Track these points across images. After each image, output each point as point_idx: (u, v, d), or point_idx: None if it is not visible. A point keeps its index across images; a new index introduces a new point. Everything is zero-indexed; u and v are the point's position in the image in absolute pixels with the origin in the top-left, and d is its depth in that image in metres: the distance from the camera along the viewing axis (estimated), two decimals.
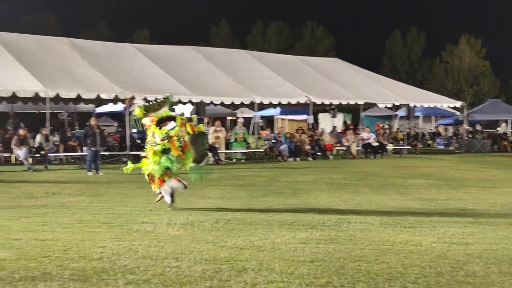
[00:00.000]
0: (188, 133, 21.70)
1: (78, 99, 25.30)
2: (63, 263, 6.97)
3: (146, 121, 11.54)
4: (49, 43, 28.09)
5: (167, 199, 11.36)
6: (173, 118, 11.51)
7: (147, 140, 11.67)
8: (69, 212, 11.06)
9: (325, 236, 8.80)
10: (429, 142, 44.36)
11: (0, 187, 15.50)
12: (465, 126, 37.84)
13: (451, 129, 46.99)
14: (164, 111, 11.60)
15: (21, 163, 21.98)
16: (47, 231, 9.01)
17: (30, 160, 21.60)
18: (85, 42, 30.20)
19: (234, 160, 26.63)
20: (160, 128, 11.31)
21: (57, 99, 24.43)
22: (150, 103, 11.63)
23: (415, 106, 33.07)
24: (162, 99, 11.76)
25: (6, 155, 23.34)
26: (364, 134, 30.44)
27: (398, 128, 35.52)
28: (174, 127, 11.31)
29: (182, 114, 23.39)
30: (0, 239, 8.29)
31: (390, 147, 31.91)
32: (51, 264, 6.90)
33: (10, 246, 7.88)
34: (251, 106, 29.56)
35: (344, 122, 37.22)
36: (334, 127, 33.43)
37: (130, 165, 11.90)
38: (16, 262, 7.00)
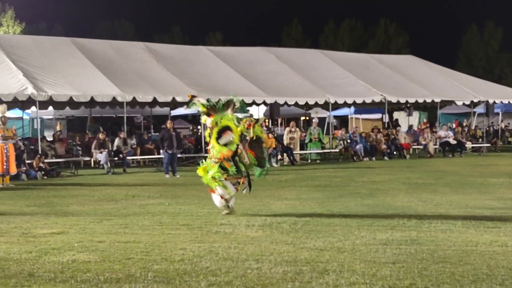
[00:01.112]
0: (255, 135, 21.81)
1: (154, 103, 25.71)
2: (146, 265, 7.08)
3: (208, 121, 11.39)
4: (125, 48, 28.66)
5: (217, 204, 11.20)
6: (229, 128, 11.22)
7: (208, 148, 11.49)
8: (149, 214, 11.24)
9: (406, 237, 8.65)
10: (510, 139, 43.12)
11: (82, 190, 15.91)
12: None
13: None
14: (225, 117, 11.34)
15: (100, 167, 22.52)
16: (128, 233, 9.18)
17: (109, 164, 22.07)
18: (160, 46, 30.67)
19: (309, 161, 26.54)
20: (218, 139, 11.07)
21: (133, 103, 24.88)
22: (212, 103, 11.40)
23: (494, 103, 32.18)
24: (225, 101, 11.51)
25: (86, 158, 23.92)
26: (442, 132, 29.84)
27: (476, 126, 34.66)
28: (231, 142, 11.10)
29: (251, 116, 23.46)
30: (85, 242, 8.50)
31: (468, 145, 31.20)
32: (134, 266, 7.02)
33: (94, 248, 8.06)
34: (325, 105, 29.40)
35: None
36: (411, 125, 32.89)
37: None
38: (101, 264, 7.16)
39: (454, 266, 6.92)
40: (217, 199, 11.07)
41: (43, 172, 20.10)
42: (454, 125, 31.22)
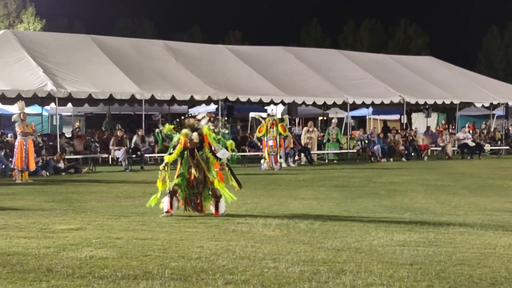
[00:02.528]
0: (280, 134, 21.79)
1: (172, 100, 25.80)
2: (163, 262, 7.10)
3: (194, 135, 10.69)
4: (145, 46, 28.79)
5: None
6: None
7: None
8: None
9: (424, 238, 8.61)
10: None
11: (100, 187, 15.99)
12: None
13: None
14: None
15: (118, 163, 22.62)
16: (146, 231, 9.21)
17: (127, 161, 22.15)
18: (180, 44, 30.78)
19: (326, 161, 26.49)
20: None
21: (152, 101, 24.98)
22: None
23: None
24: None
25: (104, 155, 24.05)
26: (460, 134, 29.69)
27: (495, 128, 34.41)
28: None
29: (273, 115, 23.46)
30: (103, 238, 8.54)
31: (487, 147, 31.01)
32: (151, 263, 7.04)
33: (112, 245, 8.10)
34: (343, 106, 29.34)
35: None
36: (428, 127, 32.75)
37: None
38: (118, 260, 7.19)
39: (472, 268, 6.88)
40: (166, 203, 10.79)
41: (62, 168, 20.26)
42: (470, 128, 30.92)
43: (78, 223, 9.90)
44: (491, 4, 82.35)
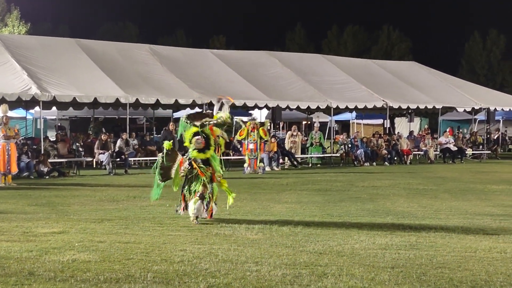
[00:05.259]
0: (261, 138, 21.86)
1: (157, 105, 25.76)
2: (146, 265, 7.13)
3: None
4: (130, 50, 28.73)
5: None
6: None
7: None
8: (150, 215, 11.27)
9: (405, 242, 8.69)
10: (511, 147, 43.14)
11: (84, 191, 15.95)
12: None
13: None
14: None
15: (102, 167, 22.58)
16: (129, 234, 9.22)
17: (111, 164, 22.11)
18: (164, 49, 30.72)
19: (310, 165, 26.57)
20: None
21: (136, 105, 24.93)
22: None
23: (495, 110, 32.23)
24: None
25: (88, 159, 23.97)
26: (442, 139, 29.89)
27: (476, 132, 34.67)
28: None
29: (255, 119, 23.51)
30: (85, 241, 8.54)
31: (469, 151, 31.22)
32: (134, 267, 7.06)
33: (95, 248, 8.11)
34: (326, 110, 29.44)
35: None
36: (411, 131, 32.94)
37: None
38: (101, 264, 7.20)
39: (452, 271, 6.96)
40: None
41: (45, 171, 20.20)
42: (449, 133, 31.09)
43: (61, 226, 9.89)
44: (473, 10, 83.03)
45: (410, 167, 26.28)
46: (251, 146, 22.15)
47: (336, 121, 40.65)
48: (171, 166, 10.73)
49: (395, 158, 27.79)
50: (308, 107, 28.24)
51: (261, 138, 22.30)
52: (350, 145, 27.01)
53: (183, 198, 10.75)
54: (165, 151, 10.81)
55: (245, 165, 22.26)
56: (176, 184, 10.81)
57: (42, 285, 6.28)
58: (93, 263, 7.24)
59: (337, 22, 76.72)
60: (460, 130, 35.04)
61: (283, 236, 9.13)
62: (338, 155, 27.44)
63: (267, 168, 22.73)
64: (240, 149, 23.97)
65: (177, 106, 27.51)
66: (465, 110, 33.06)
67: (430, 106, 30.50)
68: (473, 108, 32.27)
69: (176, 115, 34.13)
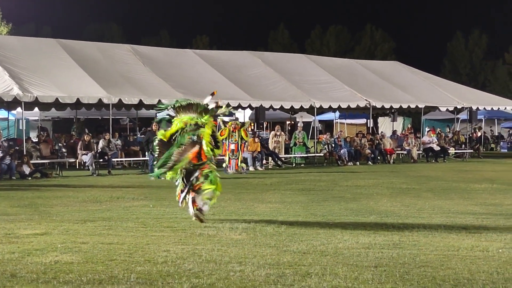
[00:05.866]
0: (242, 138, 21.89)
1: (140, 105, 25.66)
2: (129, 266, 7.10)
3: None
4: (112, 50, 28.60)
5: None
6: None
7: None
8: (133, 216, 11.22)
9: (389, 241, 8.72)
10: (493, 145, 43.45)
11: (67, 192, 15.85)
12: None
13: None
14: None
15: (85, 168, 22.47)
16: (112, 235, 9.18)
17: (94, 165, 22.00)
18: (147, 49, 30.63)
19: (293, 165, 26.59)
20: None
21: (119, 105, 24.82)
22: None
23: (477, 109, 32.46)
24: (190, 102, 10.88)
25: (71, 160, 23.85)
26: (426, 138, 30.05)
27: (458, 131, 34.87)
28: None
29: (237, 119, 23.53)
30: (68, 243, 8.49)
31: (452, 151, 31.39)
32: (117, 268, 7.03)
33: (78, 249, 8.06)
34: (310, 110, 29.49)
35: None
36: (395, 130, 33.08)
37: None
38: (84, 265, 7.16)
39: (435, 270, 7.00)
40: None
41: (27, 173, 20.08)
42: (431, 132, 31.22)
43: (43, 228, 9.83)
44: (455, 10, 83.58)
45: (393, 166, 26.38)
46: (232, 146, 22.15)
47: (320, 121, 40.78)
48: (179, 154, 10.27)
49: (379, 158, 27.90)
50: (292, 107, 28.27)
51: (242, 138, 22.31)
52: (333, 145, 27.08)
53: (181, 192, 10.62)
54: (157, 141, 10.62)
55: (224, 165, 22.21)
56: (175, 170, 10.37)
57: (24, 287, 6.25)
58: (76, 264, 7.20)
59: (320, 22, 77.05)
60: (439, 129, 35.20)
61: (267, 236, 9.13)
62: (322, 154, 27.49)
63: (251, 168, 22.74)
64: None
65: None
66: (447, 110, 33.24)
67: (413, 106, 30.66)
68: (455, 108, 32.46)
69: (160, 115, 34.01)
